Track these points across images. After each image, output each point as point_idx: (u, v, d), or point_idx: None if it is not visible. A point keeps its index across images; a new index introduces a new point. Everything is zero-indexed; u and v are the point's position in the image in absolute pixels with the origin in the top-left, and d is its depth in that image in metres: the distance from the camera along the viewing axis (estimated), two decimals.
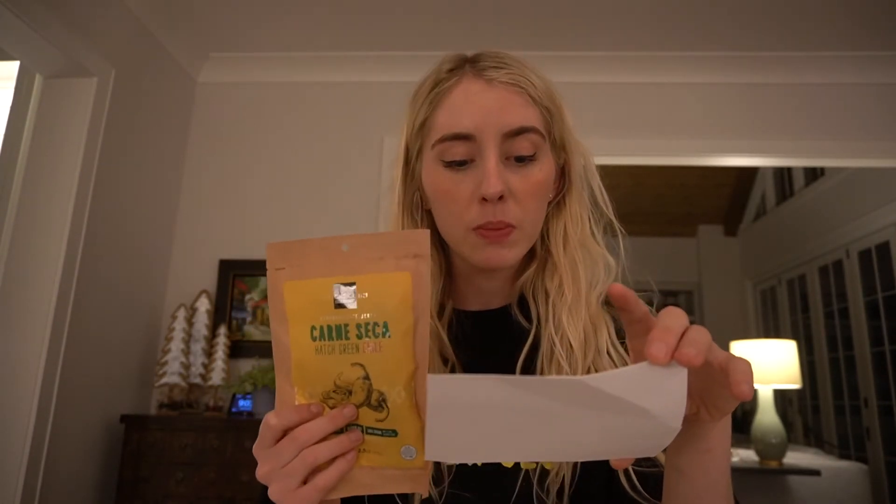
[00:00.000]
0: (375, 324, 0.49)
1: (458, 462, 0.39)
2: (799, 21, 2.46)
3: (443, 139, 0.64)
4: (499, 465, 0.63)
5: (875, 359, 3.96)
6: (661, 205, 5.32)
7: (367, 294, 0.49)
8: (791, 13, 2.42)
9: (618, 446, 0.41)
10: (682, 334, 0.39)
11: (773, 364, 3.13)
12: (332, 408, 0.51)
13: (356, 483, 0.52)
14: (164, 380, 2.38)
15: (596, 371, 0.63)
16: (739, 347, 3.30)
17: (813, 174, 4.69)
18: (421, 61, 2.97)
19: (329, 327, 0.50)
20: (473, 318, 0.71)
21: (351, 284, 0.49)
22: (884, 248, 3.88)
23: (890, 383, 3.78)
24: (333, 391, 0.50)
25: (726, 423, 0.47)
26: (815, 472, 2.96)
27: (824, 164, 3.55)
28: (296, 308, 0.51)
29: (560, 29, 2.53)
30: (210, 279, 2.65)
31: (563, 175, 0.71)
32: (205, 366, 2.46)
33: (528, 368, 0.65)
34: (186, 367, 2.42)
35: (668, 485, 0.51)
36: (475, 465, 0.63)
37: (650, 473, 0.55)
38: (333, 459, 0.50)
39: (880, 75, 2.68)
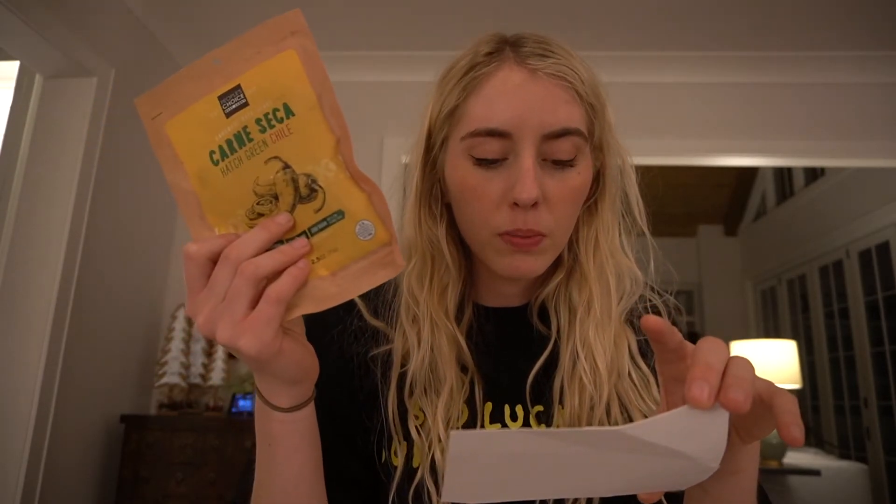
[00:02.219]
0: (275, 109, 0.44)
1: (478, 502, 0.36)
2: (799, 21, 2.46)
3: (475, 133, 0.57)
4: None
5: (875, 359, 3.96)
6: (661, 205, 5.30)
7: (255, 88, 0.44)
8: (791, 13, 2.41)
9: (649, 484, 0.39)
10: (724, 370, 0.35)
11: (773, 364, 3.13)
12: None
13: (322, 295, 0.45)
14: (164, 380, 2.38)
15: (618, 395, 0.60)
16: (739, 347, 3.30)
17: (813, 174, 4.69)
18: (421, 61, 2.96)
19: (228, 141, 0.44)
20: (494, 317, 0.67)
21: (236, 89, 0.44)
22: (884, 248, 3.88)
23: (890, 383, 3.78)
24: (258, 203, 0.45)
25: (755, 444, 0.43)
26: (815, 472, 2.96)
27: (824, 164, 3.55)
28: (186, 142, 0.45)
29: (559, 29, 2.53)
30: None
31: (597, 178, 0.64)
32: (205, 366, 2.46)
33: (545, 383, 0.62)
34: (186, 367, 2.42)
35: (691, 501, 0.48)
36: None
37: (677, 494, 0.51)
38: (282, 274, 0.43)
39: (880, 75, 2.68)
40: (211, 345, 2.51)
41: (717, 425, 0.35)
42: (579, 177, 0.58)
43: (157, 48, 2.55)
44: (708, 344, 0.37)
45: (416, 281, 0.64)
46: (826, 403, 4.58)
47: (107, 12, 2.23)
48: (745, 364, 0.36)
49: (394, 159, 2.62)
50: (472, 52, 0.60)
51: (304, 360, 0.49)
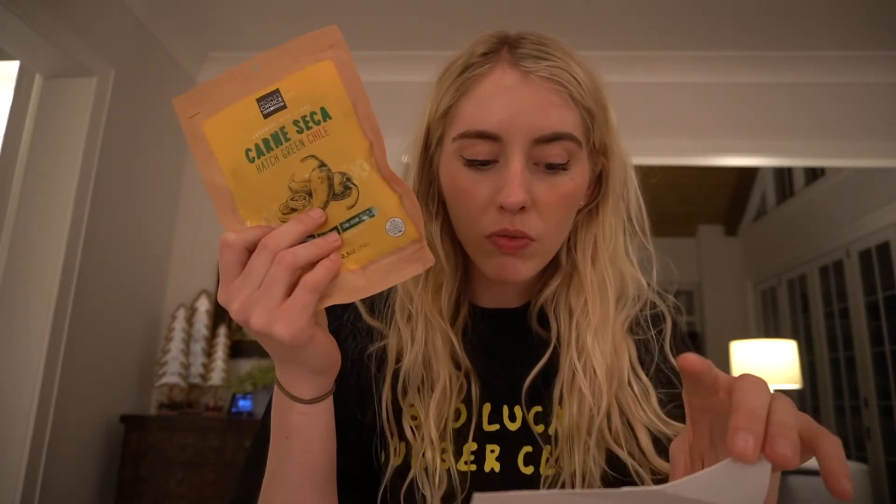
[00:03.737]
0: (313, 112, 0.46)
1: None
2: (799, 21, 2.46)
3: (465, 135, 0.56)
4: (518, 477, 0.60)
5: (875, 359, 3.96)
6: (661, 205, 5.32)
7: (294, 93, 0.46)
8: (791, 13, 2.42)
9: None
10: (767, 416, 0.33)
11: (773, 364, 3.13)
12: None
13: (351, 288, 0.48)
14: (164, 380, 2.38)
15: (618, 404, 0.59)
16: (739, 347, 3.30)
17: (813, 174, 4.69)
18: (421, 61, 2.96)
19: (265, 140, 0.46)
20: (490, 318, 0.66)
21: (274, 92, 0.47)
22: (884, 248, 3.88)
23: (890, 383, 3.78)
24: (292, 199, 0.47)
25: (777, 473, 0.41)
26: (815, 473, 2.96)
27: (824, 164, 3.55)
28: (223, 140, 0.47)
29: (559, 29, 2.53)
30: (210, 279, 2.65)
31: (598, 181, 0.63)
32: (204, 366, 2.46)
33: (543, 388, 0.62)
34: (186, 367, 2.42)
35: None
36: (492, 478, 0.60)
37: None
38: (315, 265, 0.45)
39: (880, 75, 2.68)
40: (211, 345, 2.51)
41: (758, 477, 0.33)
42: (572, 182, 0.57)
43: (157, 48, 2.55)
44: (749, 385, 0.35)
45: (411, 278, 0.64)
46: (826, 403, 4.58)
47: (107, 12, 2.23)
48: (788, 407, 0.34)
49: (394, 159, 2.61)
50: (468, 51, 0.59)
51: (331, 350, 0.51)
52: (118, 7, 2.29)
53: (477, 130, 0.56)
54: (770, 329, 5.38)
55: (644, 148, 2.70)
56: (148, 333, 2.53)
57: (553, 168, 0.56)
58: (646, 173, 0.68)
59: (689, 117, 2.74)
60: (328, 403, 0.53)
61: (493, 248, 0.58)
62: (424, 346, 0.61)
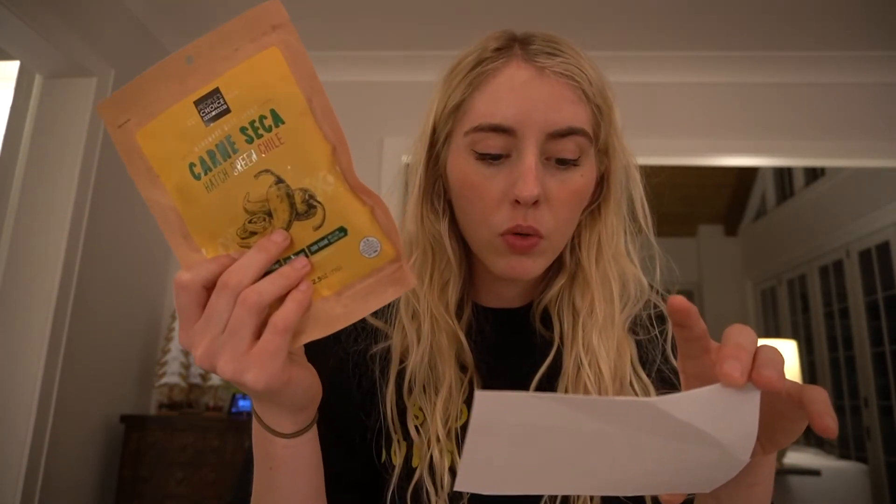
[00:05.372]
0: (262, 116, 0.39)
1: (491, 493, 0.34)
2: (799, 21, 2.46)
3: (479, 128, 0.56)
4: None
5: (875, 359, 3.96)
6: (661, 205, 5.31)
7: (237, 91, 0.40)
8: (791, 13, 2.41)
9: (675, 480, 0.37)
10: (755, 353, 0.35)
11: None
12: None
13: (327, 318, 0.42)
14: (164, 380, 2.38)
15: None
16: None
17: (813, 174, 4.70)
18: (421, 61, 2.94)
19: (210, 152, 0.40)
20: (494, 317, 0.66)
21: (214, 92, 0.40)
22: (884, 248, 3.88)
23: (890, 383, 3.78)
24: (249, 222, 0.41)
25: (773, 459, 0.42)
26: (815, 473, 2.97)
27: (824, 164, 3.54)
28: (161, 154, 0.40)
29: (559, 29, 2.53)
30: None
31: (601, 181, 0.63)
32: None
33: (548, 388, 0.61)
34: (186, 367, 2.42)
35: None
36: None
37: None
38: (284, 298, 0.40)
39: (880, 75, 2.68)
40: None
41: (747, 409, 0.34)
42: (582, 179, 0.58)
43: (157, 49, 2.55)
44: (737, 328, 0.36)
45: (416, 276, 0.64)
46: None
47: (107, 12, 2.23)
48: (775, 350, 0.36)
49: (394, 159, 2.62)
50: (480, 47, 0.60)
51: (311, 386, 0.47)
52: (118, 7, 2.29)
53: (491, 124, 0.56)
54: (770, 329, 5.38)
55: (644, 148, 2.70)
56: (148, 333, 2.53)
57: (564, 163, 0.57)
58: (648, 174, 0.68)
59: (689, 117, 2.74)
60: (312, 434, 0.51)
61: (504, 247, 0.57)
62: (430, 346, 0.61)
